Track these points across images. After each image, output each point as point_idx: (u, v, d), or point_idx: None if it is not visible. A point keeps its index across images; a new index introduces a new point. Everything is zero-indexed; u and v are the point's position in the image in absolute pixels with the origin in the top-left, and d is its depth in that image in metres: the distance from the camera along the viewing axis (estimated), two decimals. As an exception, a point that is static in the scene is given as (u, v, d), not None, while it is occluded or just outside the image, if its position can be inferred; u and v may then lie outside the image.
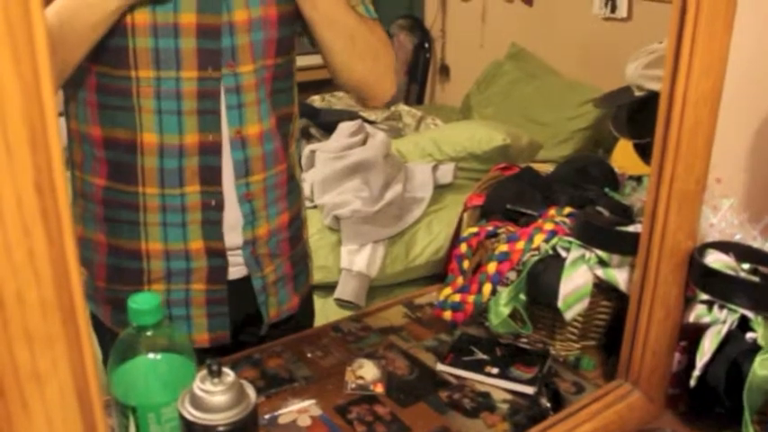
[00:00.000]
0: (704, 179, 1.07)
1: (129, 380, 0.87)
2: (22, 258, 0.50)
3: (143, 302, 0.85)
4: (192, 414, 0.77)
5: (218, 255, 1.27)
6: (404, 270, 2.42)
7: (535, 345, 1.34)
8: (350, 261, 2.29)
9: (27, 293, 0.50)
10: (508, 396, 1.23)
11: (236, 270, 1.30)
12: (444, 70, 4.61)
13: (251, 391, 0.80)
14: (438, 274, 2.06)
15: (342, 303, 2.32)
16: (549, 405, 1.20)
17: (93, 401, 0.55)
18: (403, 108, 3.65)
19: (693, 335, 1.12)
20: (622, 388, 1.17)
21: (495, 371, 1.27)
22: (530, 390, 1.23)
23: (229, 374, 0.79)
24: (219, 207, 1.24)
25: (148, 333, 0.86)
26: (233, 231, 1.27)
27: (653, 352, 1.14)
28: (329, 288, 2.33)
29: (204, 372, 0.78)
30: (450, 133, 2.84)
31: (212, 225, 1.25)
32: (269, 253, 1.32)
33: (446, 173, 2.62)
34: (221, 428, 0.76)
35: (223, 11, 1.15)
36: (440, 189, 2.61)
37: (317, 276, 2.03)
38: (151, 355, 0.87)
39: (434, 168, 2.63)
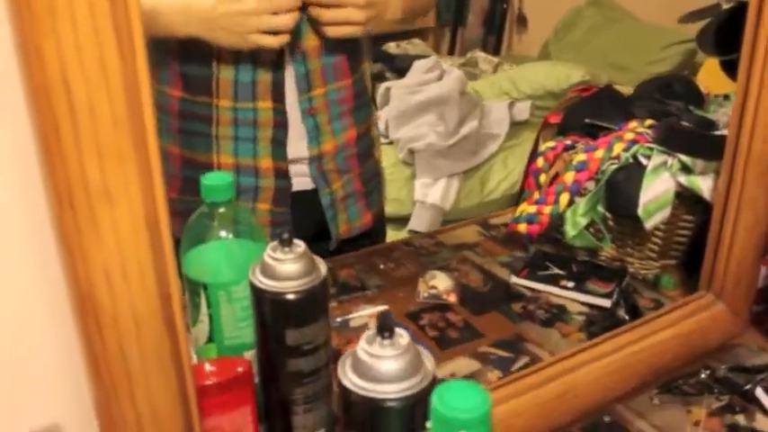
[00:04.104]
0: (801, 69, 1.02)
1: (202, 260, 0.87)
2: (94, 68, 0.49)
3: (216, 179, 0.85)
4: (262, 282, 0.76)
5: (284, 176, 1.26)
6: (478, 204, 2.39)
7: (612, 263, 1.31)
8: (424, 194, 2.27)
9: (98, 105, 0.50)
10: (584, 309, 1.20)
11: (303, 181, 1.30)
12: (522, 20, 4.51)
13: (322, 265, 0.79)
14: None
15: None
16: (626, 317, 1.17)
17: (160, 225, 0.54)
18: (480, 54, 3.60)
19: (782, 246, 1.08)
20: (705, 298, 1.13)
21: (570, 284, 1.24)
22: (606, 303, 1.20)
23: (300, 245, 0.78)
24: (285, 125, 1.24)
25: (221, 210, 0.86)
26: (299, 144, 1.27)
27: (738, 262, 1.10)
28: (402, 221, 2.32)
29: (275, 242, 0.77)
30: (528, 72, 2.79)
31: (279, 145, 1.24)
32: (336, 169, 1.31)
33: (522, 110, 2.57)
34: (291, 296, 0.75)
35: None
36: (516, 126, 2.57)
37: (390, 209, 2.02)
38: (223, 234, 0.87)
39: (511, 105, 2.58)
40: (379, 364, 0.63)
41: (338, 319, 1.15)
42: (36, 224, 0.57)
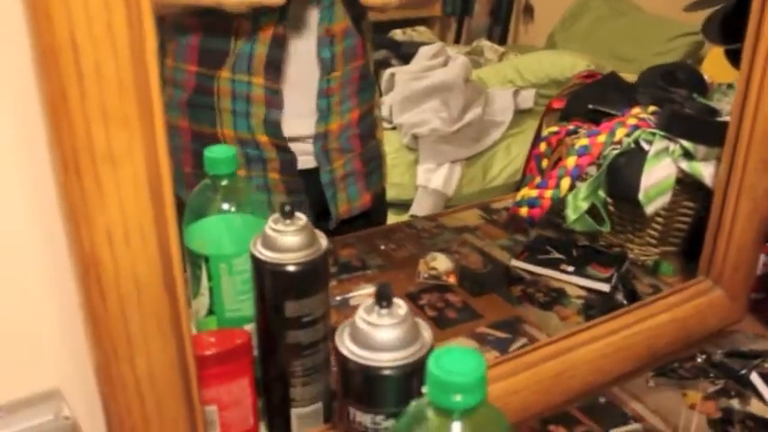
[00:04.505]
0: (804, 58, 1.02)
1: (204, 233, 0.88)
2: (102, 31, 0.50)
3: (219, 152, 0.85)
4: (262, 253, 0.77)
5: (285, 150, 1.28)
6: (480, 191, 2.40)
7: (612, 249, 1.31)
8: (426, 179, 2.28)
9: (105, 68, 0.50)
10: (583, 293, 1.21)
11: (304, 160, 1.31)
12: (528, 11, 4.50)
13: (323, 239, 0.80)
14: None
15: (417, 221, 2.32)
16: (625, 302, 1.18)
17: (163, 189, 0.55)
18: (485, 44, 3.59)
19: (781, 234, 1.08)
20: (703, 284, 1.13)
21: (570, 269, 1.25)
22: (606, 287, 1.20)
23: (302, 218, 0.78)
24: (278, 105, 1.25)
25: (223, 183, 0.86)
26: (305, 122, 1.28)
27: (737, 248, 1.10)
28: (405, 206, 2.33)
29: (277, 214, 0.78)
30: (533, 60, 2.79)
31: (271, 124, 1.25)
32: (339, 148, 1.33)
33: (527, 98, 2.58)
34: (291, 267, 0.76)
35: None
36: (520, 114, 2.58)
37: (393, 193, 2.03)
38: (225, 207, 0.87)
39: (515, 93, 2.59)
40: (377, 333, 0.64)
41: (338, 298, 1.16)
42: (39, 188, 0.58)
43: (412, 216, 2.30)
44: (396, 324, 0.64)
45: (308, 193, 1.32)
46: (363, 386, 0.65)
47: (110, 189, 0.53)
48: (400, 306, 0.66)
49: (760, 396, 1.00)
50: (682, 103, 1.31)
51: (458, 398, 0.49)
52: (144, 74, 0.53)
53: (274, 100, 1.24)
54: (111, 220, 0.54)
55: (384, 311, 0.64)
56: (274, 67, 1.22)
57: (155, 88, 0.53)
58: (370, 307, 0.66)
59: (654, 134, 1.19)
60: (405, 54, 3.17)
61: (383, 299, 0.64)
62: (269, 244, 0.77)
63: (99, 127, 0.51)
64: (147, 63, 0.53)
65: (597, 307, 1.17)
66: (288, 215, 0.77)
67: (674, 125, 1.18)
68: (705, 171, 1.15)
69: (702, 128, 1.16)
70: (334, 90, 1.27)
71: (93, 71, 0.50)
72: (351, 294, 1.17)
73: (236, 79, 1.22)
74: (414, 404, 0.54)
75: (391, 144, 2.23)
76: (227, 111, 1.24)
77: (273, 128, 1.26)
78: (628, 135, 1.21)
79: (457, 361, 0.50)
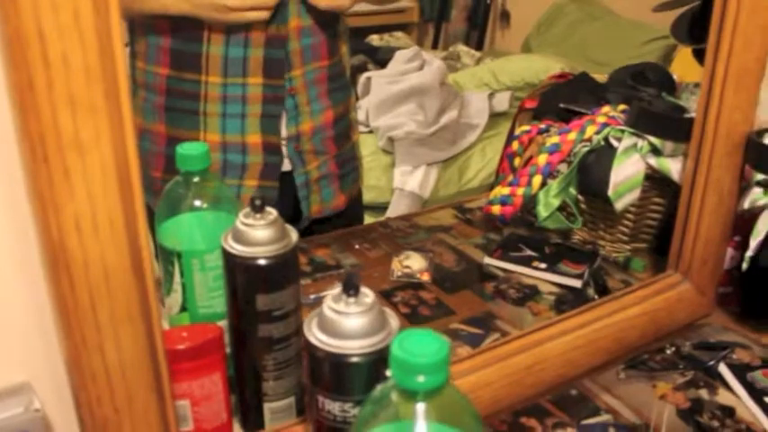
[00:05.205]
0: (765, 57, 1.04)
1: (176, 230, 0.88)
2: (69, 19, 0.50)
3: (191, 148, 0.86)
4: (233, 248, 0.78)
5: (274, 151, 1.28)
6: (456, 193, 2.42)
7: (584, 246, 1.33)
8: (403, 182, 2.29)
9: (72, 56, 0.51)
10: (555, 289, 1.22)
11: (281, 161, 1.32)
12: (505, 16, 4.54)
13: (293, 233, 0.81)
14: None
15: (393, 225, 2.33)
16: (596, 297, 1.19)
17: (131, 176, 0.55)
18: (462, 48, 3.62)
19: (747, 227, 1.10)
20: (672, 278, 1.14)
21: (542, 266, 1.26)
22: (577, 283, 1.22)
23: (272, 212, 0.79)
24: (280, 101, 1.25)
25: (195, 179, 0.87)
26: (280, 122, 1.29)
27: (704, 242, 1.12)
28: (381, 208, 2.33)
29: (248, 209, 0.79)
30: (508, 64, 2.82)
31: (271, 119, 1.26)
32: (313, 149, 1.33)
33: (502, 101, 2.60)
34: (262, 261, 0.77)
35: None
36: (495, 117, 2.60)
37: (369, 196, 2.04)
38: (197, 203, 0.88)
39: (490, 96, 2.61)
40: (345, 321, 0.65)
41: (312, 296, 1.16)
42: (7, 177, 0.58)
43: (388, 219, 2.32)
44: (363, 312, 0.65)
45: (282, 195, 1.33)
46: (331, 374, 0.66)
47: (77, 177, 0.53)
48: (367, 295, 0.67)
49: (727, 386, 1.01)
50: (650, 102, 1.33)
51: (421, 379, 0.50)
52: (110, 60, 0.53)
53: (275, 96, 1.25)
54: (79, 208, 0.54)
55: (351, 300, 0.65)
56: (274, 66, 1.23)
57: (122, 76, 0.54)
58: (338, 295, 0.66)
59: (623, 131, 1.21)
60: (381, 59, 3.19)
61: (350, 287, 0.65)
62: (240, 238, 0.78)
63: (66, 115, 0.52)
64: (114, 51, 0.53)
65: (569, 302, 1.18)
66: (258, 209, 0.78)
67: (641, 122, 1.20)
68: (673, 167, 1.17)
69: (669, 124, 1.17)
70: (298, 89, 1.28)
71: (60, 60, 0.51)
72: (324, 293, 1.18)
73: (229, 83, 1.22)
74: (379, 388, 0.55)
75: (367, 147, 2.24)
76: (216, 115, 1.24)
77: (272, 124, 1.26)
78: (597, 132, 1.23)
79: (420, 343, 0.51)
